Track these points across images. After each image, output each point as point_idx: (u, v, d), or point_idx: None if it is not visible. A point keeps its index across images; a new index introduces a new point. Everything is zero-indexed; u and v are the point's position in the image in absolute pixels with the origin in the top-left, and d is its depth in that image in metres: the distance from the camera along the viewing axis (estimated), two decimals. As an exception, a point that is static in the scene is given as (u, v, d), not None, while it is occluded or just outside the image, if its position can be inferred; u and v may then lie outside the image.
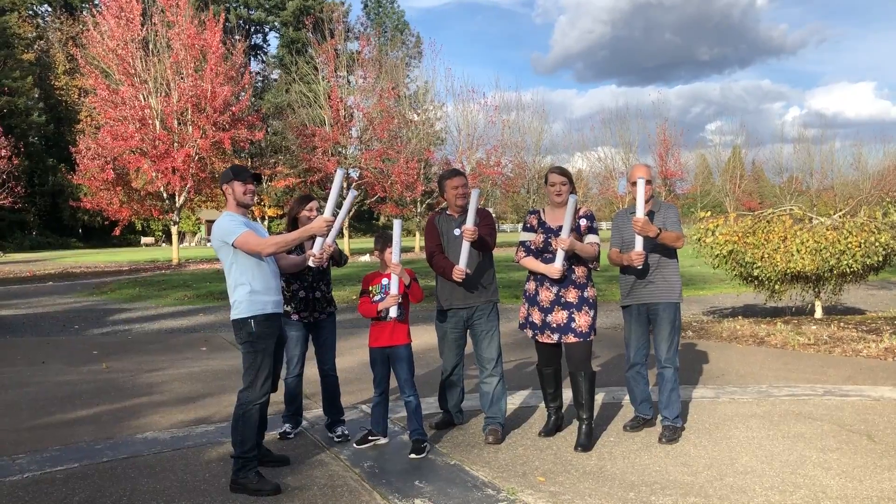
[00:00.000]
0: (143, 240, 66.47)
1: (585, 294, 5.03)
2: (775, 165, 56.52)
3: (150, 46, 30.35)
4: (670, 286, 5.21)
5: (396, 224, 4.92)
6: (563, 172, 5.13)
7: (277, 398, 5.15)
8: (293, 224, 5.20)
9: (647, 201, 5.16)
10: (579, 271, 5.05)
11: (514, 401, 6.13)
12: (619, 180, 45.75)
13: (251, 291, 4.31)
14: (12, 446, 5.17)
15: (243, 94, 33.06)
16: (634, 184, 5.05)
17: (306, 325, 5.30)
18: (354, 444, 5.03)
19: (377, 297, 4.93)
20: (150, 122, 29.66)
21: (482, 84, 55.87)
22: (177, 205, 31.03)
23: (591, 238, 5.05)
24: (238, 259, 4.33)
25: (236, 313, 4.32)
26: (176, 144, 29.73)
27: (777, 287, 10.40)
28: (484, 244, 5.19)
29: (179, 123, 30.52)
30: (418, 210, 39.18)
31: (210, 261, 31.97)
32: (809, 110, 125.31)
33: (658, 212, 5.23)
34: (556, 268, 4.88)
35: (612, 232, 5.42)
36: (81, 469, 4.65)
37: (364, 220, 69.90)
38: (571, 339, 4.98)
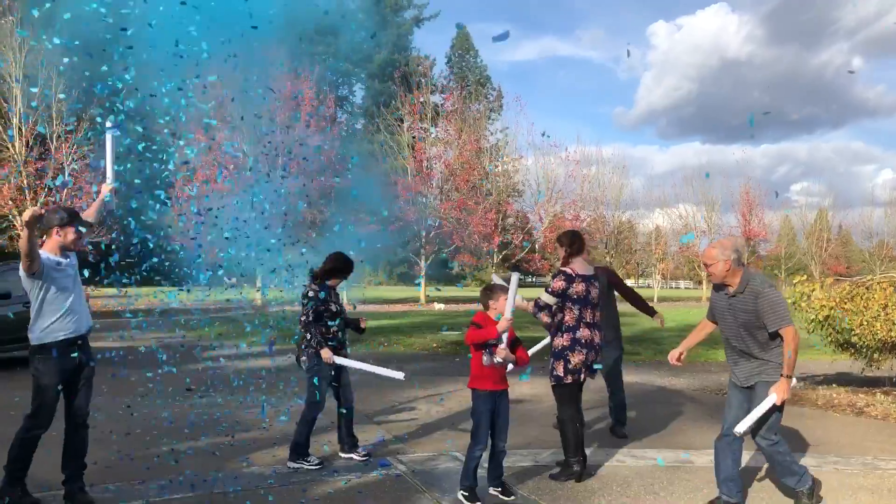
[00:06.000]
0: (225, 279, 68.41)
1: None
2: (864, 229, 54.64)
3: (247, 96, 31.79)
4: (773, 366, 4.72)
5: (514, 277, 4.77)
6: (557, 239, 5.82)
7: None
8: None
9: (725, 283, 4.75)
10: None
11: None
12: (686, 235, 44.88)
13: None
14: (129, 472, 5.45)
15: (330, 142, 34.17)
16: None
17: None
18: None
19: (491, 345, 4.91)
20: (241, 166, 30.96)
21: (563, 138, 55.83)
22: (261, 246, 32.01)
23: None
24: None
25: None
26: (264, 189, 30.87)
27: (875, 356, 10.02)
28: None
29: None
30: (493, 261, 39.31)
31: (290, 302, 32.69)
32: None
33: (742, 294, 4.68)
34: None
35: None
36: (196, 499, 4.87)
37: (438, 268, 70.39)
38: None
